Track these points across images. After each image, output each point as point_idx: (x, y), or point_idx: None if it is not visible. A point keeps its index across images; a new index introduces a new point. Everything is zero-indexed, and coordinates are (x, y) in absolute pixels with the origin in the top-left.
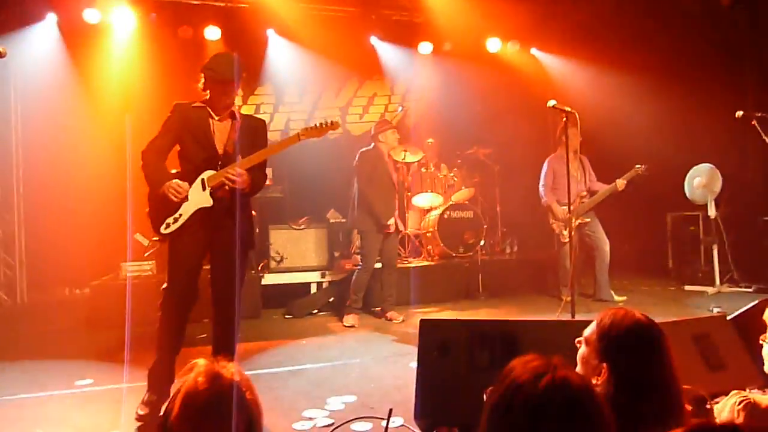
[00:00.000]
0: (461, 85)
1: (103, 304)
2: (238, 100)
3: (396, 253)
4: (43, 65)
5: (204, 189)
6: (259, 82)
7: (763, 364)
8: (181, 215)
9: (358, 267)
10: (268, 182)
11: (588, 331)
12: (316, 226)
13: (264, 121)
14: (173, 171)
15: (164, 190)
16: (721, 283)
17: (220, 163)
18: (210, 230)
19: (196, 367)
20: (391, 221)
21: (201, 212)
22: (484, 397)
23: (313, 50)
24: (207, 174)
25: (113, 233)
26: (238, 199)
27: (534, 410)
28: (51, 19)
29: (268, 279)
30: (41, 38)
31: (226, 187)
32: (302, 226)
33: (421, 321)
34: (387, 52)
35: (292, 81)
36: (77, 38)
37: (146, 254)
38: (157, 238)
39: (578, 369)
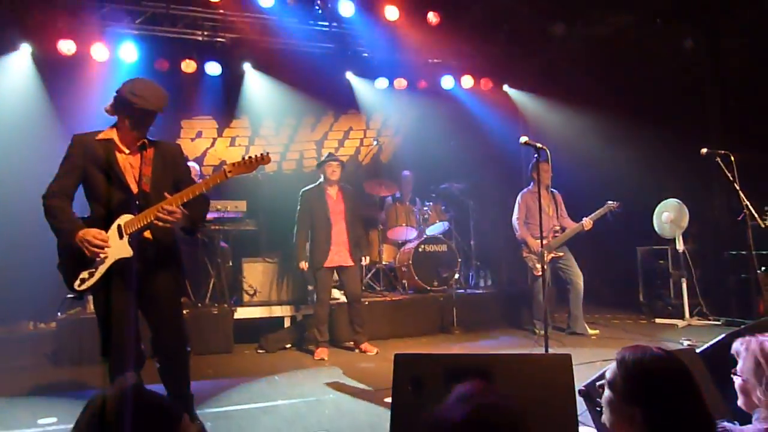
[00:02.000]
0: (436, 120)
1: (69, 338)
2: (213, 133)
3: (359, 286)
4: (16, 95)
5: (121, 237)
6: (234, 114)
7: (735, 398)
8: (97, 269)
9: (312, 303)
10: (239, 215)
11: (610, 374)
12: (291, 260)
13: (179, 145)
14: (80, 216)
15: (78, 243)
16: (691, 316)
17: (137, 203)
18: (137, 280)
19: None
20: (302, 264)
21: (119, 263)
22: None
23: (289, 84)
24: (123, 219)
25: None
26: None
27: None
28: (25, 49)
29: (241, 313)
30: (15, 68)
31: (146, 234)
32: (275, 260)
33: (396, 356)
34: (362, 87)
35: (268, 114)
36: (52, 68)
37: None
38: (71, 296)
39: (607, 415)
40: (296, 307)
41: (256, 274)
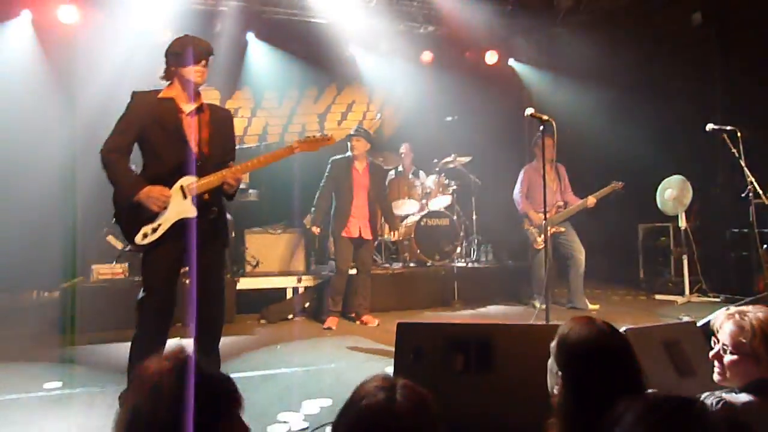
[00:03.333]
0: (440, 94)
1: (72, 306)
2: (221, 98)
3: (370, 260)
4: (17, 63)
5: (185, 197)
6: (237, 85)
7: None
8: (160, 225)
9: (332, 272)
10: (243, 185)
11: (553, 341)
12: (293, 231)
13: (230, 111)
14: (136, 172)
15: (141, 199)
16: (691, 293)
17: (200, 165)
18: (191, 242)
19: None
20: (315, 228)
21: (181, 222)
22: None
23: (292, 56)
24: (186, 180)
25: (84, 235)
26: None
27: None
28: (26, 16)
29: (243, 283)
30: (15, 35)
31: (206, 196)
32: (278, 231)
33: (398, 324)
34: (366, 60)
35: (271, 86)
36: (52, 36)
37: (118, 256)
38: (130, 249)
39: (549, 379)
40: (298, 279)
41: (258, 245)
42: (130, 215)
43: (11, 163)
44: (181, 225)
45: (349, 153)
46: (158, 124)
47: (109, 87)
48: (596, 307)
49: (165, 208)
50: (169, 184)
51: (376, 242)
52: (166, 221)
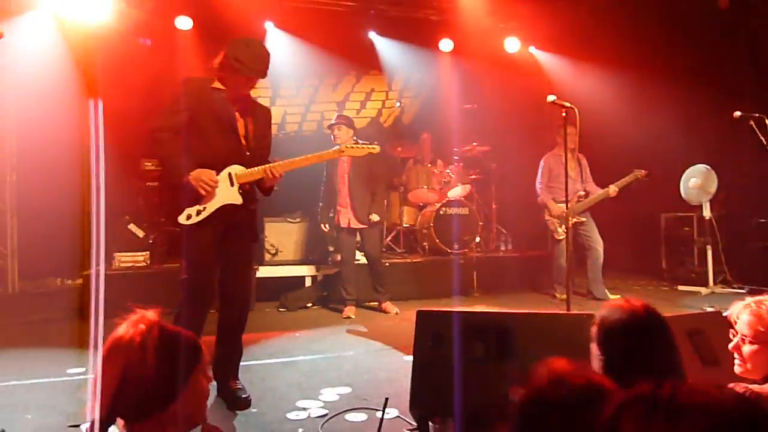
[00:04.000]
0: (459, 82)
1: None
2: None
3: (375, 247)
4: (41, 53)
5: (232, 184)
6: None
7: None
8: (205, 208)
9: (340, 261)
10: None
11: (594, 326)
12: (312, 220)
13: (269, 109)
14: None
15: (191, 181)
16: (714, 284)
17: (248, 156)
18: (229, 229)
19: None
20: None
21: (225, 208)
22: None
23: (311, 44)
24: (235, 169)
25: (106, 223)
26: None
27: (566, 416)
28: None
29: (263, 271)
30: (36, 28)
31: (247, 187)
32: (297, 219)
33: (418, 312)
34: (385, 47)
35: (289, 74)
36: (74, 30)
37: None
38: (172, 227)
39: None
40: (317, 267)
41: (277, 233)
42: (178, 196)
43: (36, 154)
44: (222, 211)
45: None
46: (211, 112)
47: (133, 76)
48: (617, 297)
49: (212, 192)
50: (216, 171)
51: (378, 229)
52: (211, 205)
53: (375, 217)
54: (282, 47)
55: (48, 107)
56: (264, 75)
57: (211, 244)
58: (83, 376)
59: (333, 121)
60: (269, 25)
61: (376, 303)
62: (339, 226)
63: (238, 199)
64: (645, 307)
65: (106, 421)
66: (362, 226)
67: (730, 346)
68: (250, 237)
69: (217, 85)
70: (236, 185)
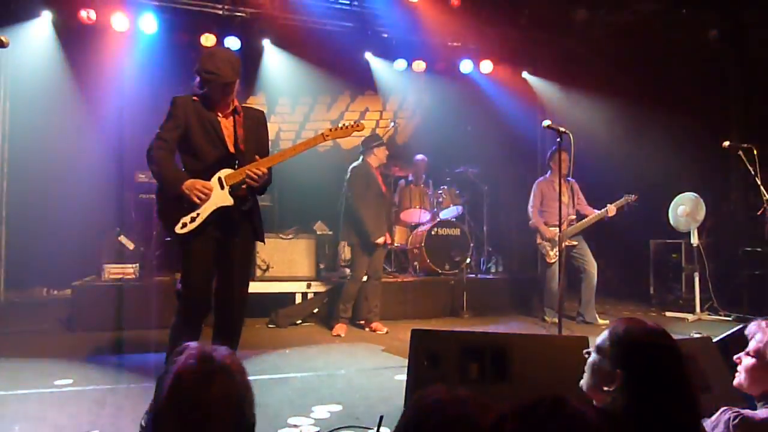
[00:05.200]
0: (453, 104)
1: (83, 305)
2: None
3: (381, 266)
4: (36, 62)
5: (222, 188)
6: (252, 91)
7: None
8: (198, 215)
9: (346, 278)
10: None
11: (600, 340)
12: (304, 237)
13: (263, 112)
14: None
15: (185, 191)
16: (701, 310)
17: (237, 161)
18: (225, 230)
19: (188, 349)
20: (381, 239)
21: (217, 212)
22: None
23: (308, 62)
24: (224, 173)
25: (96, 235)
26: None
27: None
28: (46, 16)
29: (253, 287)
30: (35, 35)
31: (244, 186)
32: (290, 236)
33: (413, 331)
34: (380, 68)
35: (285, 92)
36: (72, 37)
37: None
38: (170, 239)
39: (586, 378)
40: (308, 285)
41: (269, 249)
42: (172, 207)
43: (28, 164)
44: (218, 217)
45: (363, 159)
46: (199, 126)
47: (128, 90)
48: (606, 322)
49: (207, 198)
50: (206, 179)
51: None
52: (204, 211)
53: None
54: (278, 65)
55: (40, 116)
56: (234, 76)
57: (207, 254)
58: (71, 387)
59: (381, 141)
60: (266, 43)
61: (364, 322)
62: (372, 241)
63: (228, 201)
64: (661, 327)
65: None
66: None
67: (735, 356)
68: (249, 236)
69: (200, 99)
70: (226, 187)
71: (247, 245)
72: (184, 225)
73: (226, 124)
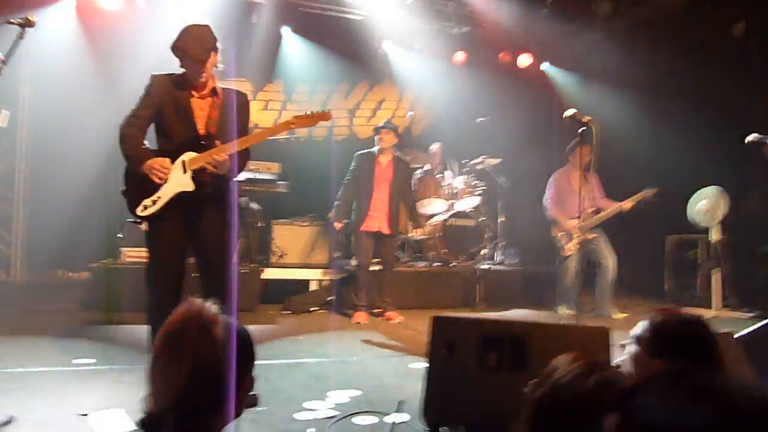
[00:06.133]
0: (471, 95)
1: (101, 287)
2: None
3: (392, 256)
4: (57, 47)
5: (185, 171)
6: (269, 77)
7: None
8: (159, 198)
9: (357, 267)
10: (272, 176)
11: (639, 330)
12: (319, 224)
13: (246, 95)
14: (150, 148)
15: (145, 170)
16: (719, 307)
17: (202, 143)
18: (191, 217)
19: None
20: (337, 224)
21: (180, 195)
22: (525, 392)
23: (326, 51)
24: (188, 156)
25: (114, 218)
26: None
27: (582, 407)
28: (69, 2)
29: (268, 273)
30: (57, 20)
31: (208, 172)
32: (305, 223)
33: (433, 318)
34: (399, 58)
35: (302, 79)
36: (94, 22)
37: None
38: (132, 220)
39: (628, 369)
40: (323, 271)
41: (284, 236)
42: (135, 188)
43: (51, 148)
44: (182, 200)
45: (374, 148)
46: (171, 105)
47: (149, 74)
48: (624, 315)
49: (165, 180)
50: (172, 160)
51: (399, 239)
52: (165, 194)
53: (416, 232)
54: (297, 52)
55: (62, 99)
56: (203, 54)
57: (173, 236)
58: (91, 367)
59: (381, 125)
60: (285, 30)
61: (380, 310)
62: (364, 231)
63: (190, 186)
64: (698, 317)
65: (163, 417)
66: (388, 233)
67: None
68: (216, 219)
69: (176, 77)
70: (188, 172)
71: (215, 228)
72: (146, 207)
73: (201, 105)
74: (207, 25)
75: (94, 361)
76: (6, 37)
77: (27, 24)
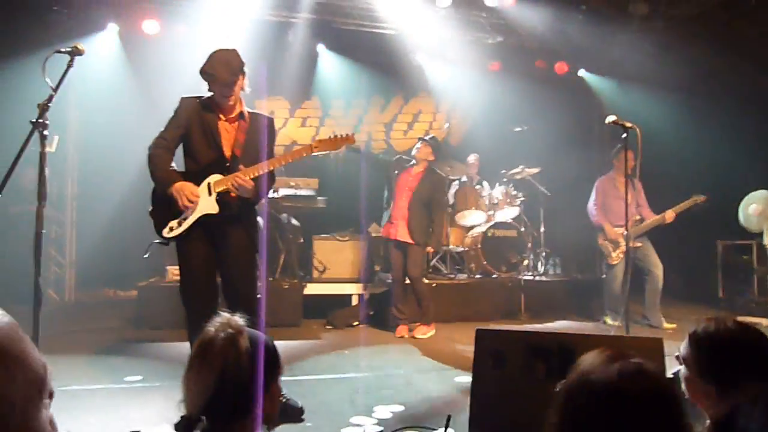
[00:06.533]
0: (508, 104)
1: (149, 305)
2: (285, 113)
3: (415, 267)
4: (103, 72)
5: (210, 194)
6: (306, 95)
7: None
8: (186, 219)
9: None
10: (312, 192)
11: (683, 349)
12: (359, 238)
13: (272, 118)
14: (177, 170)
15: (173, 192)
16: None
17: (228, 166)
18: (215, 237)
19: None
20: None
21: (206, 218)
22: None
23: (361, 66)
24: (213, 178)
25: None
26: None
27: (609, 396)
28: (112, 29)
29: (310, 289)
30: (102, 46)
31: (232, 194)
32: (346, 238)
33: (478, 330)
34: (434, 70)
35: (338, 95)
36: (136, 47)
37: None
38: (159, 241)
39: (686, 392)
40: (364, 286)
41: (325, 251)
42: (162, 209)
43: (98, 170)
44: (205, 224)
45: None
46: (199, 127)
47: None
48: (673, 326)
49: (193, 206)
50: (198, 182)
51: (429, 250)
52: (191, 217)
53: (430, 249)
54: (332, 68)
55: (109, 123)
56: (230, 77)
57: (200, 255)
58: (141, 384)
59: (423, 137)
60: (321, 48)
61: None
62: (391, 240)
63: (214, 208)
64: (747, 324)
65: (196, 420)
66: (408, 241)
67: None
68: (243, 240)
69: (205, 101)
70: (213, 194)
71: (242, 248)
72: (172, 229)
73: (228, 128)
74: (234, 50)
75: (142, 377)
76: (56, 66)
77: (76, 53)
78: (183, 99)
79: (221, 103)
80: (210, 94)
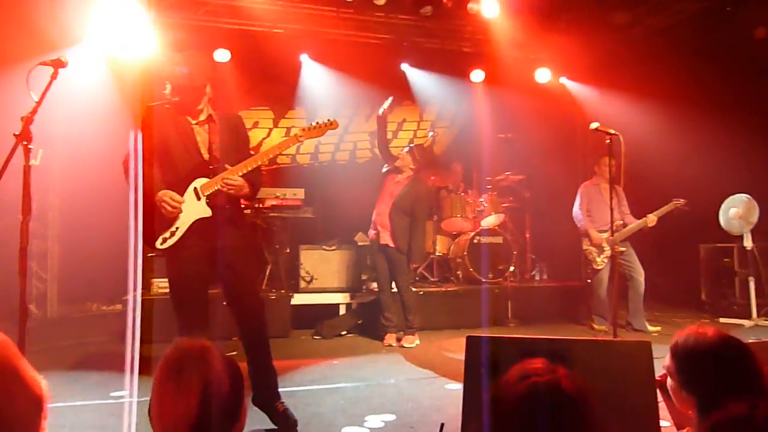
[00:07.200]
0: (491, 112)
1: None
2: (269, 123)
3: (399, 274)
4: (87, 85)
5: (199, 198)
6: (291, 105)
7: None
8: (178, 228)
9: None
10: (299, 201)
11: (666, 359)
12: (347, 248)
13: (241, 116)
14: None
15: (157, 203)
16: (758, 316)
17: (211, 168)
18: (212, 242)
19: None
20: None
21: (199, 223)
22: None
23: (345, 75)
24: (199, 182)
25: (144, 250)
26: (234, 205)
27: (513, 408)
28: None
29: (298, 299)
30: (86, 58)
31: (223, 194)
32: (333, 247)
33: (468, 337)
34: (417, 78)
35: (323, 105)
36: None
37: None
38: (152, 254)
39: (675, 401)
40: (352, 295)
41: (312, 261)
42: (150, 221)
43: (82, 184)
44: (200, 230)
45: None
46: (173, 133)
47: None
48: (657, 329)
49: (179, 212)
50: (182, 189)
51: (412, 259)
52: (183, 224)
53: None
54: (316, 79)
55: (92, 135)
56: (200, 81)
57: (192, 267)
58: (127, 399)
59: (405, 147)
60: (305, 57)
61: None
62: (375, 245)
63: (207, 212)
64: (726, 335)
65: None
66: (390, 244)
67: None
68: (237, 242)
69: (174, 106)
70: (203, 198)
71: (238, 251)
72: (164, 240)
73: (200, 132)
74: (202, 53)
75: (127, 392)
76: (39, 78)
77: (59, 65)
78: (149, 107)
79: (191, 107)
80: (176, 99)
